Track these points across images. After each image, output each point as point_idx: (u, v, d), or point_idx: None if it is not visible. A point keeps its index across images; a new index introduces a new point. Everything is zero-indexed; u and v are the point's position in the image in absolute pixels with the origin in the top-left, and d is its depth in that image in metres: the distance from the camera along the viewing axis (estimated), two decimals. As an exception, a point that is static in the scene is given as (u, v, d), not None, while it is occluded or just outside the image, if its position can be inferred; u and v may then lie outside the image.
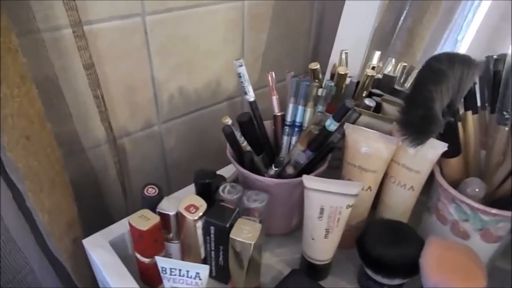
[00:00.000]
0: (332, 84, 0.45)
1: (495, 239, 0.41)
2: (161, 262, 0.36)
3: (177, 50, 0.58)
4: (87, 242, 0.45)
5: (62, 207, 0.44)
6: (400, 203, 0.45)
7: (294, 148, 0.45)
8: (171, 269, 0.36)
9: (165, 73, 0.59)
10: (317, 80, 0.52)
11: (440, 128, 0.36)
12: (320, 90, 0.46)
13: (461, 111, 0.44)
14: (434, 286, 0.37)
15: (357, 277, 0.46)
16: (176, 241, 0.43)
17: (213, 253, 0.42)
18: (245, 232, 0.38)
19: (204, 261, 0.44)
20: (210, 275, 0.45)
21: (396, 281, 0.41)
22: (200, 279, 0.36)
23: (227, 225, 0.39)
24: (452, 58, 0.37)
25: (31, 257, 0.47)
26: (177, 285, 0.37)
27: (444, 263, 0.37)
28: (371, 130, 0.41)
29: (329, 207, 0.39)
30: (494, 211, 0.38)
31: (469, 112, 0.43)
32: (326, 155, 0.43)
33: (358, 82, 0.55)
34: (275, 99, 0.50)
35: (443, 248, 0.38)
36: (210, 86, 0.65)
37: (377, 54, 0.56)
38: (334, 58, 0.60)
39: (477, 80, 0.43)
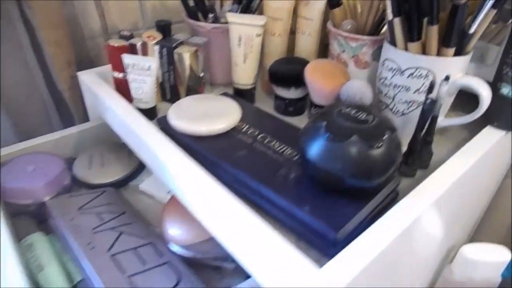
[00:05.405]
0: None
1: (364, 65, 0.57)
2: (126, 58, 0.54)
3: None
4: (81, 73, 0.63)
5: (63, 45, 0.62)
6: (304, 47, 0.62)
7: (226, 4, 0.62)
8: (133, 63, 0.54)
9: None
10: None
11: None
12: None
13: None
14: (310, 84, 0.54)
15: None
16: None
17: (166, 75, 0.60)
18: (184, 50, 0.56)
19: (161, 85, 0.61)
20: (165, 99, 0.63)
21: (292, 93, 0.58)
22: (150, 70, 0.54)
23: (173, 46, 0.57)
24: None
25: (40, 92, 0.65)
26: (135, 76, 0.54)
27: (317, 70, 0.54)
28: (280, -12, 0.59)
29: (244, 35, 0.57)
30: (356, 36, 0.55)
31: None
32: (250, 3, 0.61)
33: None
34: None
35: (320, 63, 0.56)
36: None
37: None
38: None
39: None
